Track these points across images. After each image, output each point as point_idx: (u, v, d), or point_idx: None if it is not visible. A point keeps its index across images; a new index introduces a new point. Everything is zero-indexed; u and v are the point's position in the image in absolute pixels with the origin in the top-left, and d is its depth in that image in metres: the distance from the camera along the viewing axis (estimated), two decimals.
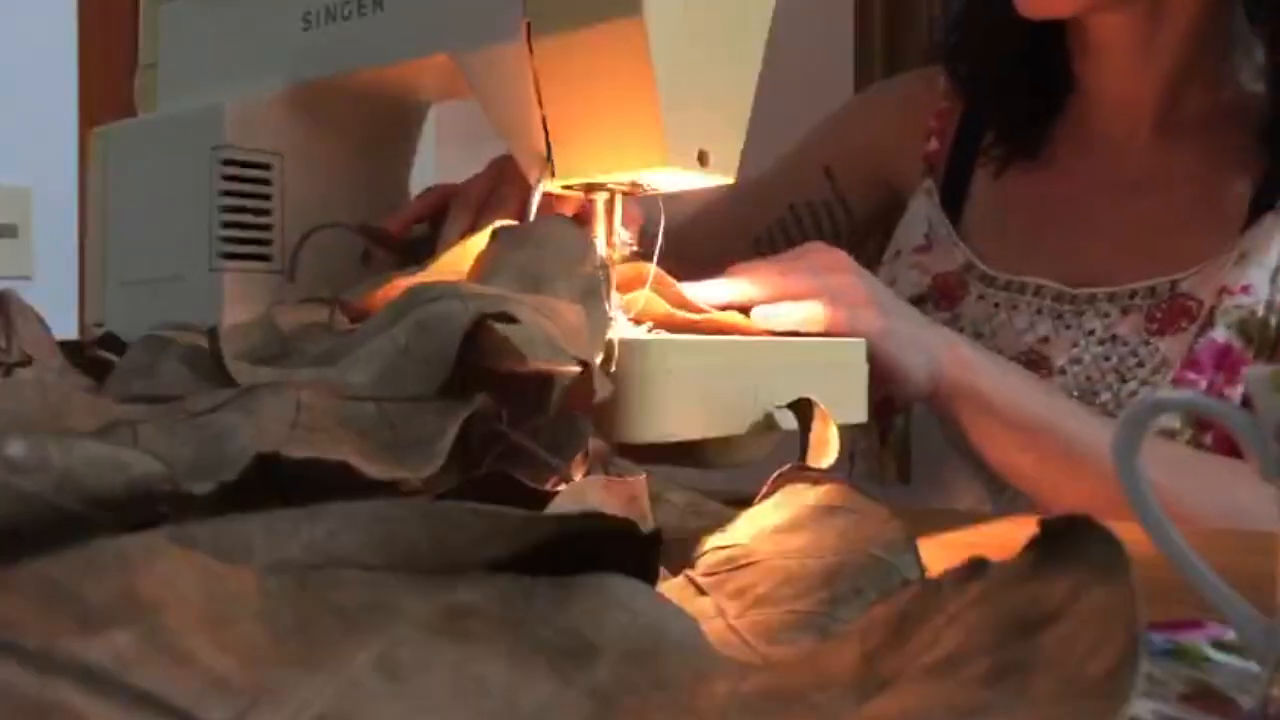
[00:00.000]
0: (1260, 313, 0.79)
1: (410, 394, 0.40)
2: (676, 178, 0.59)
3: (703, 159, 0.57)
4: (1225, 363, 0.79)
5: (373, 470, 0.32)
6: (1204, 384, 0.78)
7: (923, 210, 0.98)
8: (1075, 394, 0.83)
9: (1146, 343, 0.81)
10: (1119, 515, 0.72)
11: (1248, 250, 0.81)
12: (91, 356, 0.53)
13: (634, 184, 0.60)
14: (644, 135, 0.55)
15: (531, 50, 0.58)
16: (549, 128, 0.59)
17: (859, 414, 0.64)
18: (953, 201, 0.97)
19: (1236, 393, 0.77)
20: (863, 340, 0.65)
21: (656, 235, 0.62)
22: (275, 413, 0.36)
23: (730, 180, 0.60)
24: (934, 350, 0.69)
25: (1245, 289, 0.79)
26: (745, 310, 0.63)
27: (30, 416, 0.35)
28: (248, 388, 0.38)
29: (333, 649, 0.20)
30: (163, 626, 0.18)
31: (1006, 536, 0.57)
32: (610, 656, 0.23)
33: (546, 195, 0.61)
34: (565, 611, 0.23)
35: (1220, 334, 0.79)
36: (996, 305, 0.89)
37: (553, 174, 0.59)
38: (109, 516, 0.26)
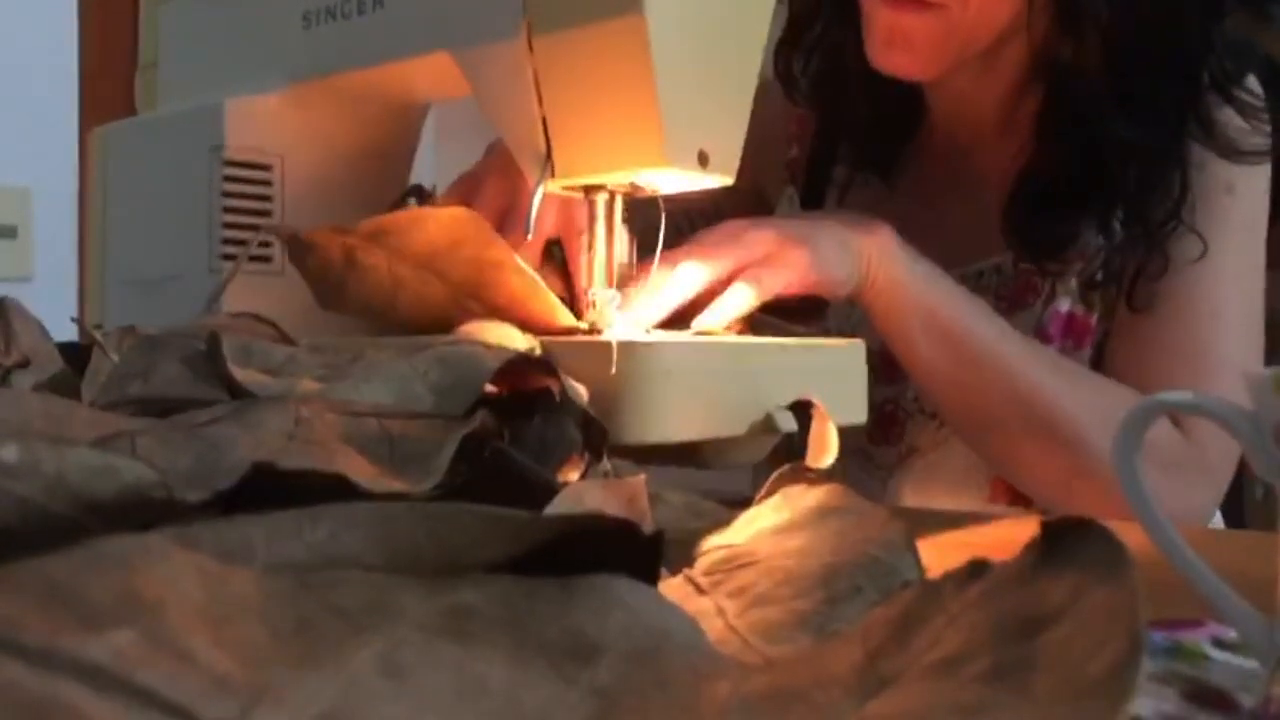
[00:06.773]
0: (1099, 278, 0.84)
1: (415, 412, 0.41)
2: (676, 178, 0.59)
3: (703, 159, 0.57)
4: (1071, 330, 0.84)
5: (367, 483, 0.32)
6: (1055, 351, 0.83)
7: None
8: None
9: None
10: (1025, 431, 0.74)
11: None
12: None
13: (634, 184, 0.60)
14: (644, 135, 0.55)
15: (531, 49, 0.58)
16: (549, 127, 0.59)
17: (859, 414, 0.64)
18: (814, 207, 1.00)
19: (1083, 357, 0.83)
20: (861, 341, 0.65)
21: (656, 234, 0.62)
22: (274, 426, 0.36)
23: (730, 181, 0.60)
24: (860, 247, 0.71)
25: (1081, 256, 0.84)
26: (688, 313, 0.63)
27: (31, 426, 0.35)
28: (248, 402, 0.38)
29: (334, 649, 0.20)
30: (164, 626, 0.18)
31: (1006, 537, 0.57)
32: (612, 657, 0.23)
33: (547, 195, 0.61)
34: (567, 612, 0.23)
35: (1064, 304, 0.84)
36: None
37: (553, 173, 0.59)
38: (101, 522, 0.26)
